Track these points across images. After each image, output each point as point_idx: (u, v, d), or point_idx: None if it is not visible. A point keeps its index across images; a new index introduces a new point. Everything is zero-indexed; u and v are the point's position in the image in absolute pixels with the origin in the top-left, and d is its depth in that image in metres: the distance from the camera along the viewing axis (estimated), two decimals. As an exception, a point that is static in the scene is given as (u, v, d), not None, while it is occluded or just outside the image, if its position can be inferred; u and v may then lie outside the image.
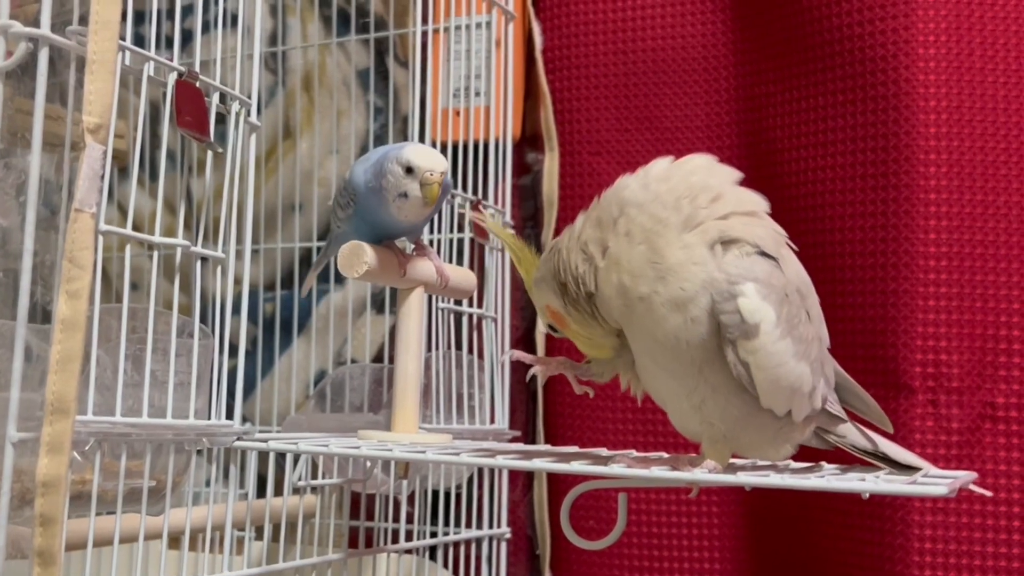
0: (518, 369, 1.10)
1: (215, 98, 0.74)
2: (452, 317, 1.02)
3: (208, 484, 1.06)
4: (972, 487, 0.69)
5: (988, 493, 0.75)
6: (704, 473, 0.64)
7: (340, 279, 1.22)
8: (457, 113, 1.11)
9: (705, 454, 0.67)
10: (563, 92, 1.16)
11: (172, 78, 0.70)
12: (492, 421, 1.04)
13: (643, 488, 1.02)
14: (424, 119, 1.08)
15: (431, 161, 0.75)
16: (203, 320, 0.73)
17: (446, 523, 1.06)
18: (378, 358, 1.22)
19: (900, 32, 0.96)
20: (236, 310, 0.76)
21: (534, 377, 0.76)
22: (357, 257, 0.77)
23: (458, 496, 1.06)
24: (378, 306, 1.24)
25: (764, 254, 0.64)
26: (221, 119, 0.75)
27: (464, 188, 1.05)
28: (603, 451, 0.83)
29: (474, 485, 1.07)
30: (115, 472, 0.67)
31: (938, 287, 0.95)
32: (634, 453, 0.80)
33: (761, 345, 0.63)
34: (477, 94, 1.11)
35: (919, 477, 0.65)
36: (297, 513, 0.88)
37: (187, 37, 1.19)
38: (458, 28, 1.11)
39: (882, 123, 0.97)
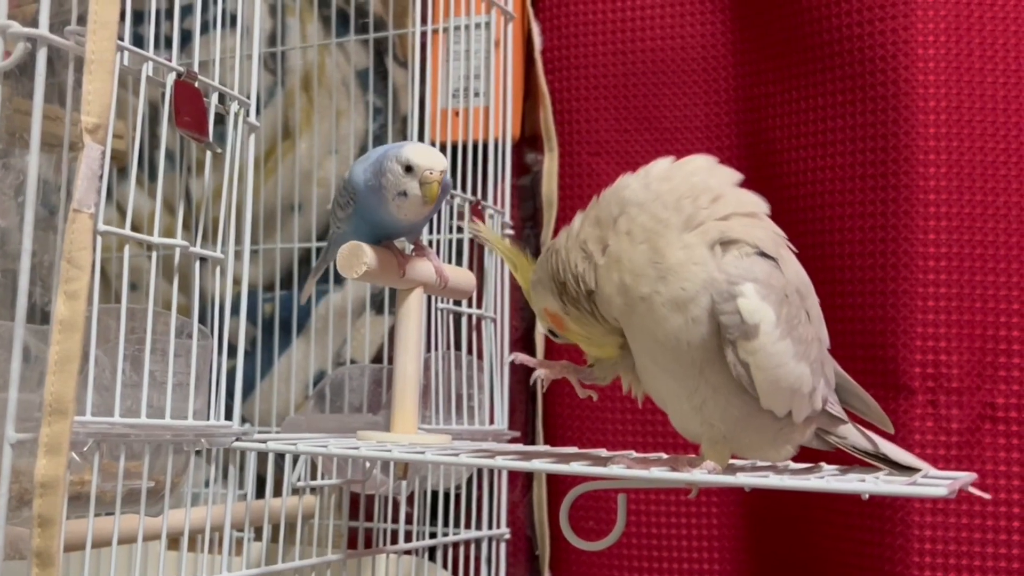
0: (517, 370, 1.10)
1: (214, 98, 0.74)
2: (451, 318, 1.02)
3: (207, 485, 1.06)
4: (971, 488, 0.69)
5: (987, 495, 0.75)
6: (703, 474, 0.64)
7: (339, 280, 1.22)
8: (456, 113, 1.11)
9: (705, 455, 0.67)
10: (562, 92, 1.16)
11: (171, 78, 0.70)
12: (491, 422, 1.04)
13: (643, 489, 1.02)
14: (423, 119, 1.08)
15: (431, 160, 0.75)
16: (202, 320, 0.73)
17: (445, 524, 1.06)
18: (377, 359, 1.22)
19: (899, 32, 0.96)
20: (235, 310, 0.76)
21: (535, 378, 0.76)
22: (356, 258, 0.77)
23: (457, 497, 1.06)
24: (377, 307, 1.24)
25: (764, 255, 0.64)
26: (220, 119, 0.75)
27: (463, 189, 1.05)
28: (602, 452, 0.83)
29: (473, 486, 1.07)
30: (114, 473, 0.67)
31: (938, 287, 0.95)
32: (633, 454, 0.80)
33: (761, 346, 0.63)
34: (476, 94, 1.11)
35: (919, 478, 0.65)
36: (296, 514, 0.88)
37: (186, 37, 1.20)
38: (457, 28, 1.11)
39: (881, 123, 0.97)
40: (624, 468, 0.66)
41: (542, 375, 0.75)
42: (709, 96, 1.11)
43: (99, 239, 0.63)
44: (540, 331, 1.13)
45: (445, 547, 1.04)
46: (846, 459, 0.74)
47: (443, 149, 1.04)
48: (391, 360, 0.84)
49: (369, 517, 1.01)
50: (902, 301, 0.96)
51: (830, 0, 1.00)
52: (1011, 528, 0.93)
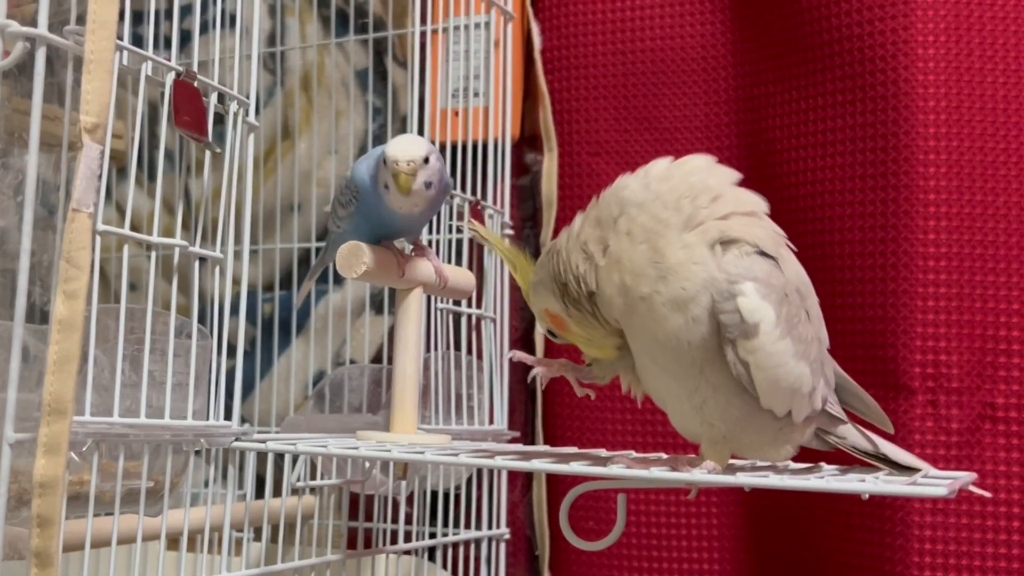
0: (517, 370, 1.10)
1: (213, 98, 0.74)
2: (451, 318, 1.02)
3: (206, 485, 1.06)
4: (971, 488, 0.69)
5: (987, 494, 0.75)
6: (703, 474, 0.64)
7: (339, 280, 1.22)
8: (456, 113, 1.11)
9: (704, 455, 0.67)
10: (562, 92, 1.16)
11: (170, 78, 0.70)
12: (491, 422, 1.04)
13: (642, 489, 1.02)
14: (423, 119, 1.08)
15: (404, 151, 0.75)
16: (201, 320, 0.73)
17: (445, 524, 1.06)
18: (377, 359, 1.22)
19: (899, 32, 0.96)
20: (234, 310, 0.76)
21: (534, 378, 0.75)
22: (356, 257, 0.77)
23: (457, 497, 1.06)
24: (377, 307, 1.24)
25: (763, 254, 0.64)
26: (220, 119, 0.75)
27: (463, 189, 1.05)
28: (602, 452, 0.83)
29: (473, 486, 1.07)
30: (113, 473, 0.67)
31: (937, 287, 0.95)
32: (633, 454, 0.79)
33: (761, 345, 0.63)
34: (476, 94, 1.11)
35: (919, 478, 0.65)
36: (296, 514, 0.88)
37: (185, 37, 1.20)
38: (457, 28, 1.11)
39: (881, 123, 0.97)
40: (624, 468, 0.66)
41: (540, 373, 0.75)
42: (709, 96, 1.11)
43: (98, 239, 0.63)
44: (540, 331, 1.13)
45: (445, 547, 1.04)
46: (846, 459, 0.74)
47: (443, 149, 1.04)
48: (391, 360, 0.84)
49: (369, 517, 1.01)
50: (902, 301, 0.96)
51: (830, 0, 1.00)
52: (1011, 528, 0.93)
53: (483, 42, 1.11)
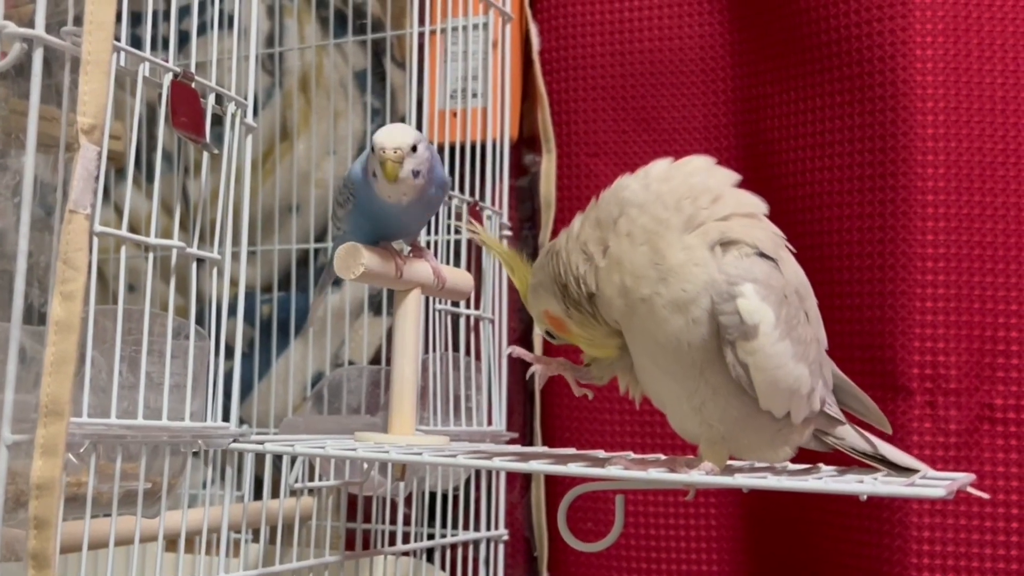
0: (516, 371, 1.10)
1: (211, 99, 0.73)
2: (449, 319, 1.02)
3: (204, 486, 1.05)
4: (969, 489, 0.69)
5: (985, 496, 0.75)
6: (701, 475, 0.64)
7: (338, 281, 1.22)
8: (454, 114, 1.11)
9: (703, 456, 0.67)
10: (560, 93, 1.15)
11: (168, 79, 0.70)
12: (489, 423, 1.04)
13: (641, 490, 1.02)
14: (421, 120, 1.08)
15: (391, 138, 0.74)
16: (199, 322, 0.73)
17: (443, 525, 1.06)
18: (375, 360, 1.22)
19: (898, 33, 0.96)
20: (233, 312, 0.76)
21: (532, 378, 0.75)
22: (354, 259, 0.77)
23: (455, 498, 1.06)
24: (375, 308, 1.24)
25: (763, 255, 0.64)
26: (218, 120, 0.75)
27: (461, 190, 1.05)
28: (600, 453, 0.83)
29: (471, 487, 1.07)
30: (110, 474, 0.67)
31: (936, 288, 0.95)
32: (631, 455, 0.79)
33: (760, 346, 0.63)
34: (474, 95, 1.11)
35: (917, 479, 0.65)
36: (294, 515, 0.88)
37: (184, 38, 1.20)
38: (455, 29, 1.11)
39: (880, 124, 0.97)
40: (622, 469, 0.66)
41: (538, 371, 0.75)
42: (708, 97, 1.11)
43: (96, 240, 0.63)
44: (538, 332, 1.13)
45: (443, 548, 1.04)
46: (844, 460, 0.74)
47: (441, 150, 1.04)
48: (389, 361, 0.84)
49: (367, 518, 1.01)
50: (900, 302, 0.96)
51: (828, 1, 1.00)
52: (1009, 529, 0.93)
53: (481, 43, 1.11)
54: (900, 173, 0.96)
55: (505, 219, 1.09)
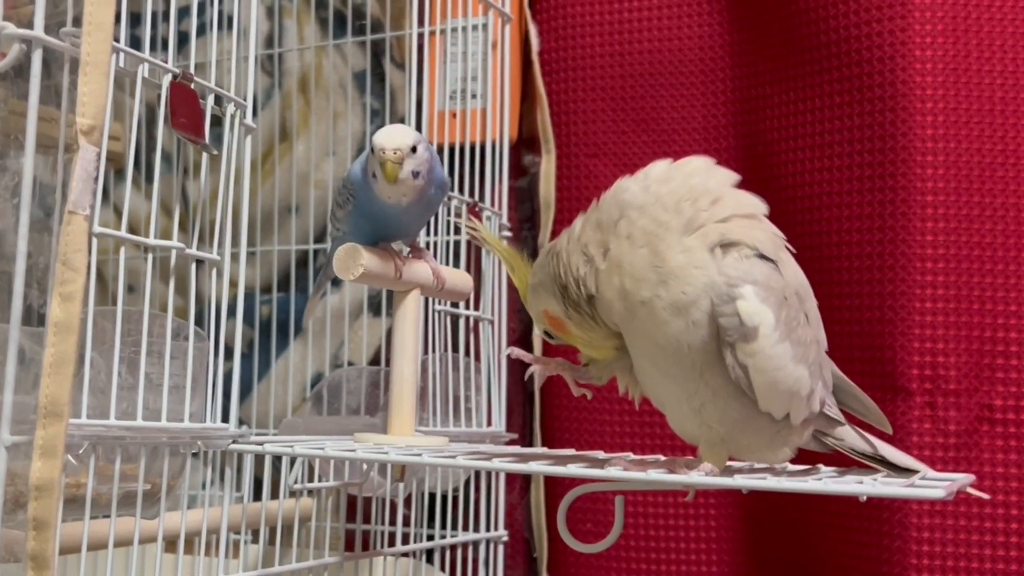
0: (515, 371, 1.10)
1: (210, 100, 0.73)
2: (449, 319, 1.02)
3: (204, 487, 1.05)
4: (970, 489, 0.69)
5: (985, 496, 0.75)
6: (701, 476, 0.64)
7: (337, 281, 1.22)
8: (454, 115, 1.11)
9: (702, 457, 0.67)
10: (560, 94, 1.15)
11: (167, 80, 0.69)
12: (489, 424, 1.04)
13: (640, 491, 1.02)
14: (421, 121, 1.08)
15: (391, 139, 0.75)
16: (199, 323, 0.73)
17: (443, 526, 1.06)
18: (375, 361, 1.22)
19: (897, 34, 0.96)
20: (232, 312, 0.76)
21: (531, 378, 0.75)
22: (353, 259, 0.77)
23: (455, 499, 1.06)
24: (375, 309, 1.24)
25: (763, 257, 0.64)
26: (217, 121, 0.75)
27: (461, 190, 1.05)
28: (600, 454, 0.83)
29: (471, 488, 1.07)
30: (109, 475, 0.67)
31: (935, 289, 0.95)
32: (631, 456, 0.79)
33: (760, 348, 0.62)
34: (474, 96, 1.11)
35: (916, 480, 0.65)
36: (293, 516, 0.88)
37: (183, 39, 1.20)
38: (454, 30, 1.11)
39: (879, 125, 0.97)
40: (621, 470, 0.66)
41: (537, 371, 0.75)
42: (707, 98, 1.11)
43: (95, 241, 0.62)
44: (537, 333, 1.12)
45: (443, 549, 1.04)
46: (844, 461, 0.74)
47: (441, 151, 1.03)
48: (388, 362, 0.84)
49: (366, 519, 1.01)
50: (900, 303, 0.96)
51: (828, 2, 1.00)
52: (1009, 530, 0.93)
53: (481, 44, 1.11)
54: (900, 174, 0.96)
55: (505, 220, 1.09)
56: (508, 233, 1.09)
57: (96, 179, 0.61)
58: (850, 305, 0.99)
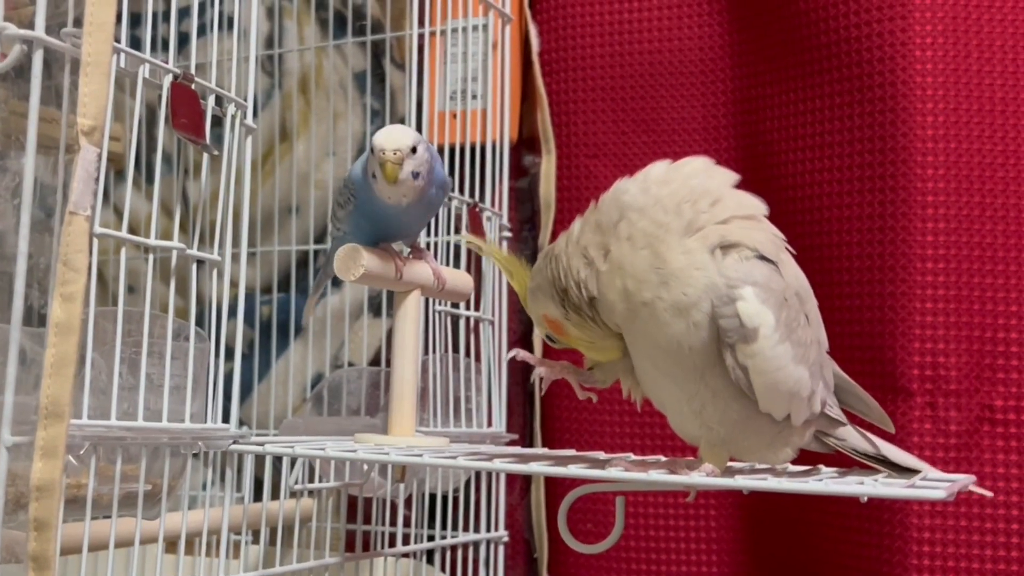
0: (515, 372, 1.10)
1: (211, 101, 0.73)
2: (449, 320, 1.02)
3: (204, 488, 1.05)
4: (973, 488, 0.69)
5: (988, 493, 0.75)
6: (702, 476, 0.64)
7: (337, 282, 1.22)
8: (454, 116, 1.11)
9: (703, 458, 0.67)
10: (560, 95, 1.15)
11: (167, 80, 0.70)
12: (489, 424, 1.04)
13: (641, 492, 1.02)
14: (421, 121, 1.08)
15: (391, 140, 0.75)
16: (199, 323, 0.73)
17: (443, 527, 1.06)
18: (375, 361, 1.22)
19: (897, 34, 0.96)
20: (232, 313, 0.76)
21: (533, 379, 0.75)
22: (353, 260, 0.77)
23: (455, 499, 1.06)
24: (375, 309, 1.24)
25: (763, 258, 0.64)
26: (217, 122, 0.75)
27: (461, 191, 1.05)
28: (600, 454, 0.83)
29: (471, 488, 1.07)
30: (110, 476, 0.67)
31: (936, 289, 0.95)
32: (632, 456, 0.79)
33: (760, 349, 0.62)
34: (474, 97, 1.11)
35: (917, 480, 0.65)
36: (294, 517, 0.88)
37: (183, 40, 1.20)
38: (455, 31, 1.11)
39: (879, 125, 0.97)
40: (622, 471, 0.66)
41: (542, 374, 0.75)
42: (707, 98, 1.11)
43: (96, 241, 0.62)
44: (538, 334, 1.13)
45: (443, 550, 1.04)
46: (845, 461, 0.74)
47: (441, 151, 1.03)
48: (389, 363, 0.84)
49: (367, 520, 1.01)
50: (900, 303, 0.96)
51: (828, 2, 1.00)
52: (1009, 530, 0.93)
53: (481, 44, 1.11)
54: (900, 174, 0.96)
55: (505, 220, 1.09)
56: (508, 234, 1.09)
57: (97, 180, 0.61)
58: (850, 306, 0.99)
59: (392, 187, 0.75)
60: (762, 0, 1.06)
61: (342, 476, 0.92)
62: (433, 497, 1.06)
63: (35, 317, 0.74)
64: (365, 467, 0.92)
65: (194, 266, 0.72)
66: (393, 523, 1.01)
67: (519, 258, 0.75)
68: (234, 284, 0.76)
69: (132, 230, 0.68)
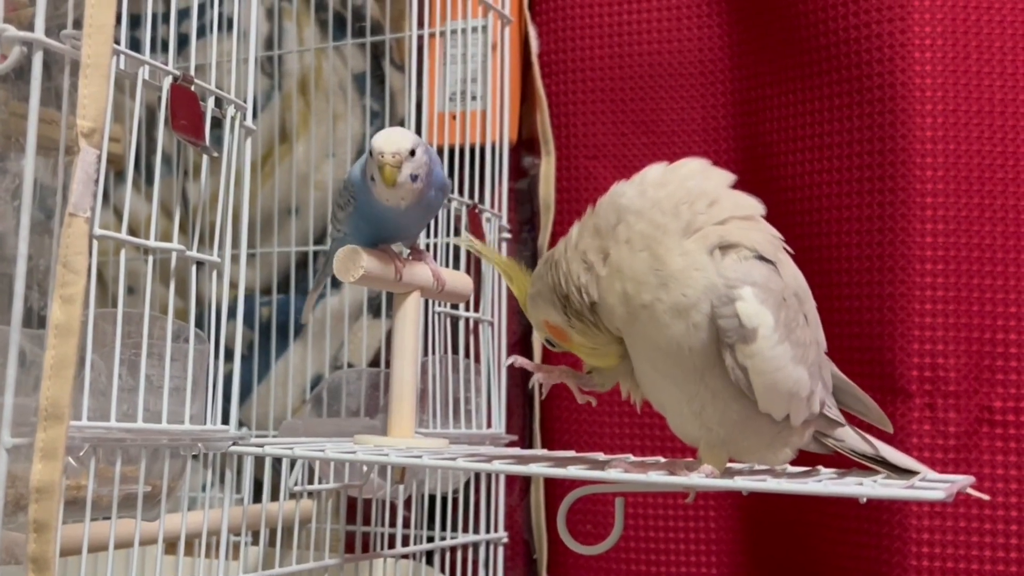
0: (515, 373, 1.10)
1: (211, 102, 0.73)
2: (449, 321, 1.02)
3: (204, 489, 1.05)
4: (970, 491, 0.69)
5: (986, 497, 0.75)
6: (701, 477, 0.64)
7: (337, 283, 1.22)
8: (453, 117, 1.11)
9: (702, 458, 0.67)
10: (559, 96, 1.16)
11: (167, 82, 0.70)
12: (489, 425, 1.04)
13: (640, 492, 1.02)
14: (420, 123, 1.08)
15: (389, 142, 0.75)
16: (199, 325, 0.73)
17: (443, 528, 1.06)
18: (375, 362, 1.22)
19: (896, 36, 0.96)
20: (232, 314, 0.76)
21: (533, 383, 0.75)
22: (353, 261, 0.77)
23: (455, 501, 1.06)
24: (375, 310, 1.24)
25: (762, 258, 0.64)
26: (217, 123, 0.75)
27: (461, 192, 1.05)
28: (600, 455, 0.83)
29: (471, 490, 1.07)
30: (110, 477, 0.67)
31: (935, 291, 0.95)
32: (631, 457, 0.79)
33: (759, 349, 0.63)
34: (473, 98, 1.11)
35: (916, 481, 0.65)
36: (293, 518, 0.88)
37: (183, 41, 1.20)
38: (454, 32, 1.11)
39: (878, 126, 0.97)
40: (622, 472, 0.66)
41: (541, 379, 0.74)
42: (706, 99, 1.11)
43: (95, 243, 0.63)
44: (538, 337, 1.13)
45: (443, 551, 1.04)
46: (844, 462, 0.74)
47: (440, 153, 1.04)
48: (388, 364, 0.84)
49: (367, 521, 1.01)
50: (899, 304, 0.96)
51: (827, 3, 1.00)
52: (1008, 531, 0.93)
53: (480, 46, 1.12)
54: (899, 175, 0.96)
55: (504, 221, 1.09)
56: (508, 235, 1.09)
57: (97, 181, 0.61)
58: (850, 306, 0.99)
59: (391, 190, 0.75)
60: (762, 2, 1.06)
61: (342, 477, 0.92)
62: (432, 498, 1.06)
63: (35, 319, 0.74)
64: (365, 468, 0.92)
65: (194, 267, 0.72)
66: (392, 524, 1.01)
67: (518, 262, 0.75)
68: (234, 285, 0.76)
69: (132, 232, 0.68)
